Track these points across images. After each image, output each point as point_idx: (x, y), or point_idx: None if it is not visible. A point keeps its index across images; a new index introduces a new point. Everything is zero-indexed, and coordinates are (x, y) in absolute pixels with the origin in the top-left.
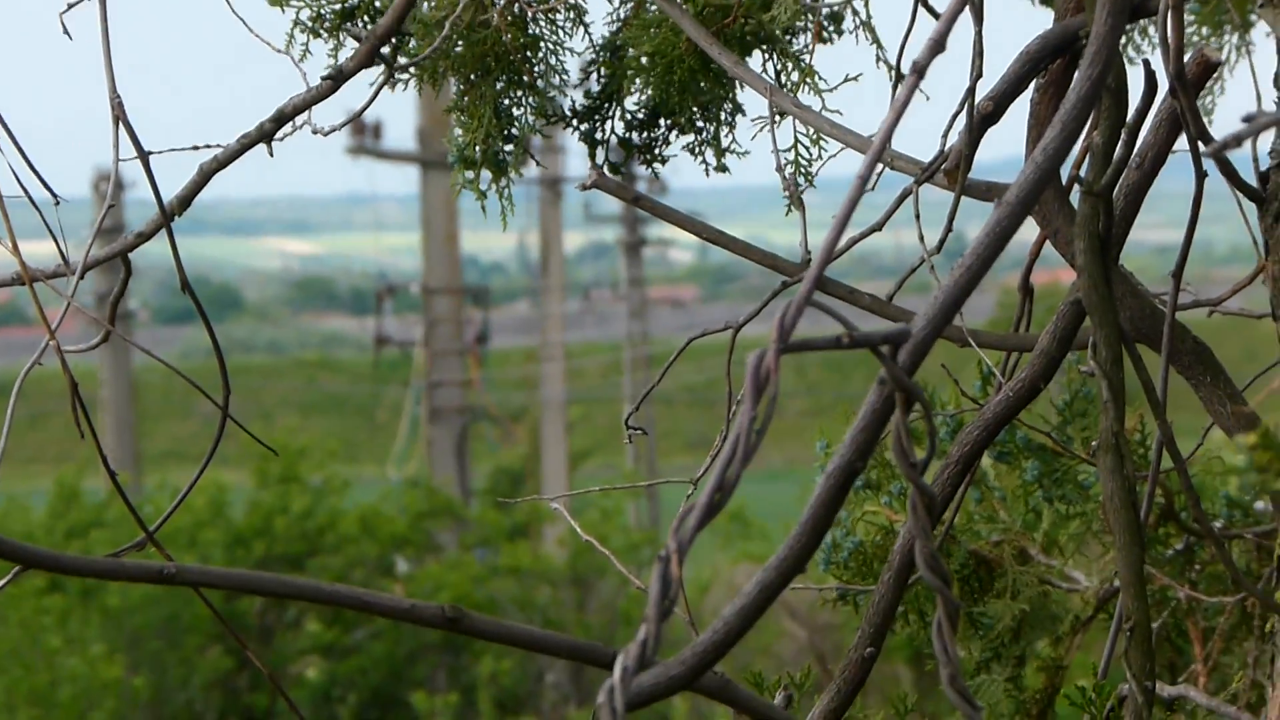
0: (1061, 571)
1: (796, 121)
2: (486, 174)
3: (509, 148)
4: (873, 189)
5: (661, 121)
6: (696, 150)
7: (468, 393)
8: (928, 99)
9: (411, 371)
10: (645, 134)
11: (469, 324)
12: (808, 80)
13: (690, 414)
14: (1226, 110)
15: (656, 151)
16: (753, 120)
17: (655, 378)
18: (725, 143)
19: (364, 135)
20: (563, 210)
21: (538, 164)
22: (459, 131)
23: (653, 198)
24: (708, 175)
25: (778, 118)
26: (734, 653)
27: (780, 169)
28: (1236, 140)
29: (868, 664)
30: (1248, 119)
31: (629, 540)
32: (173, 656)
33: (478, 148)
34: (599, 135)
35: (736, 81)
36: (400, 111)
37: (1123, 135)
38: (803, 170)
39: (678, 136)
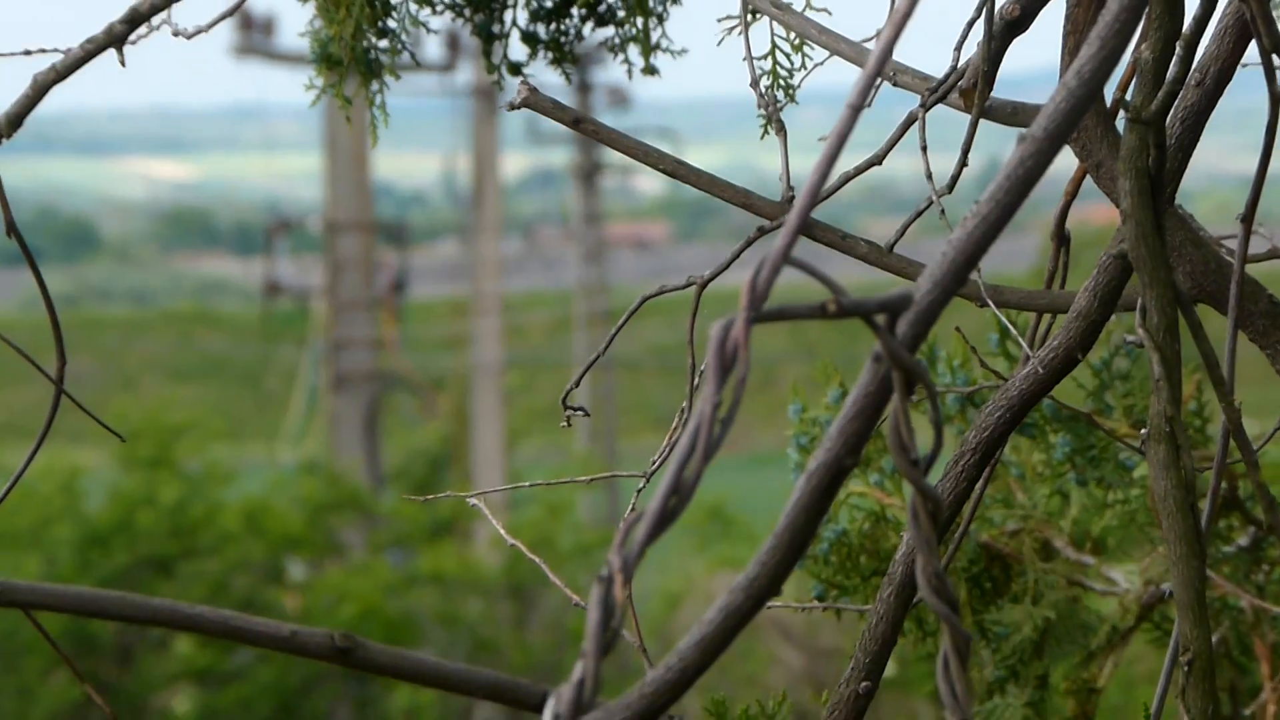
0: (1096, 570)
1: (774, 23)
2: (356, 77)
3: (383, 43)
4: (870, 106)
5: (574, 10)
6: (616, 47)
7: (380, 355)
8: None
9: (309, 328)
10: (553, 25)
11: (382, 269)
12: None
13: (659, 382)
14: None
15: (567, 49)
16: (719, 20)
17: (608, 338)
18: (655, 38)
19: (252, 32)
20: (500, 127)
21: (416, 64)
22: (320, 22)
23: (597, 120)
24: (630, 78)
25: (751, 17)
26: (710, 684)
27: (755, 82)
28: None
29: (863, 702)
30: None
31: (580, 541)
32: (7, 684)
33: (344, 43)
34: (496, 28)
35: None
36: (298, 4)
37: (1178, 48)
38: (782, 83)
39: (594, 29)
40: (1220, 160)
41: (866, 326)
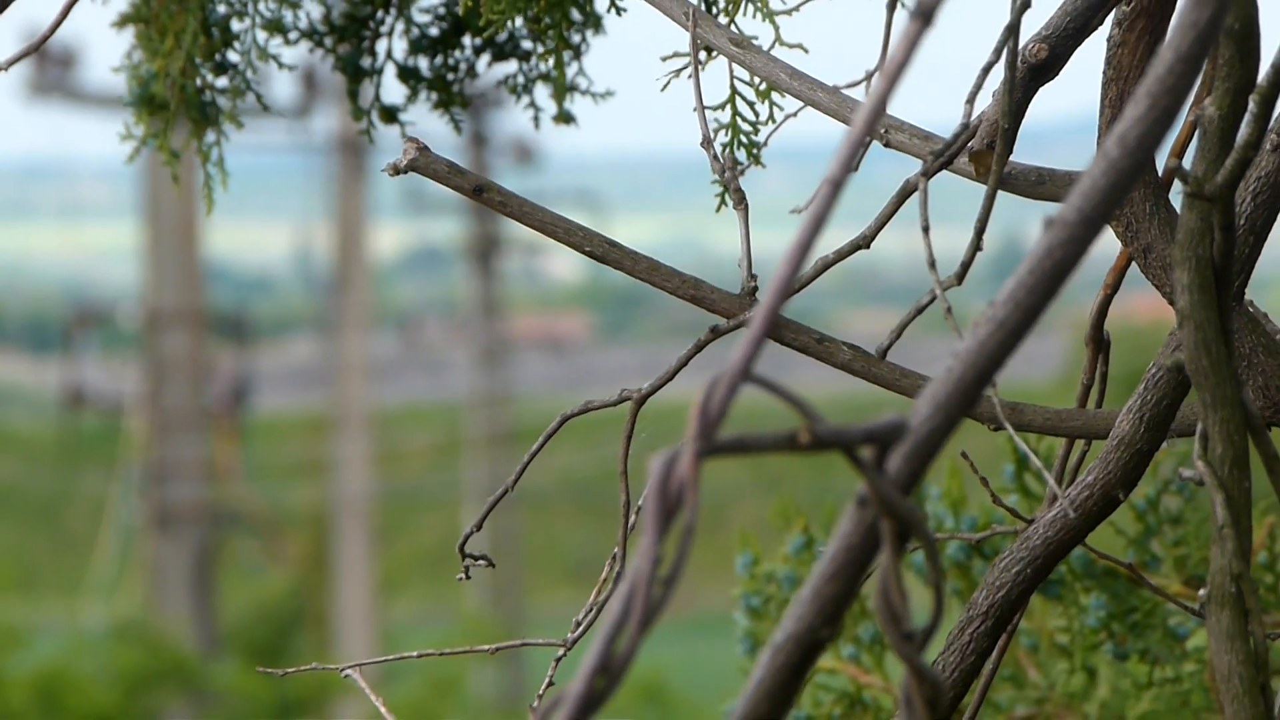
0: None
1: (734, 65)
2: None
3: (222, 81)
4: (855, 170)
5: (466, 40)
6: (520, 88)
7: (215, 485)
8: (946, 38)
9: (122, 450)
10: (439, 59)
11: (218, 374)
12: None
13: (575, 523)
14: None
15: (457, 89)
16: (663, 60)
17: (518, 469)
18: (570, 76)
19: (47, 66)
20: (370, 191)
21: (264, 107)
22: (140, 55)
23: (505, 189)
24: (537, 127)
25: (704, 57)
26: None
27: (708, 140)
28: None
29: None
30: None
31: None
32: None
33: (171, 81)
34: (366, 62)
35: None
36: (110, 35)
37: (1251, 103)
38: (744, 141)
39: (491, 64)
40: None
41: (847, 461)
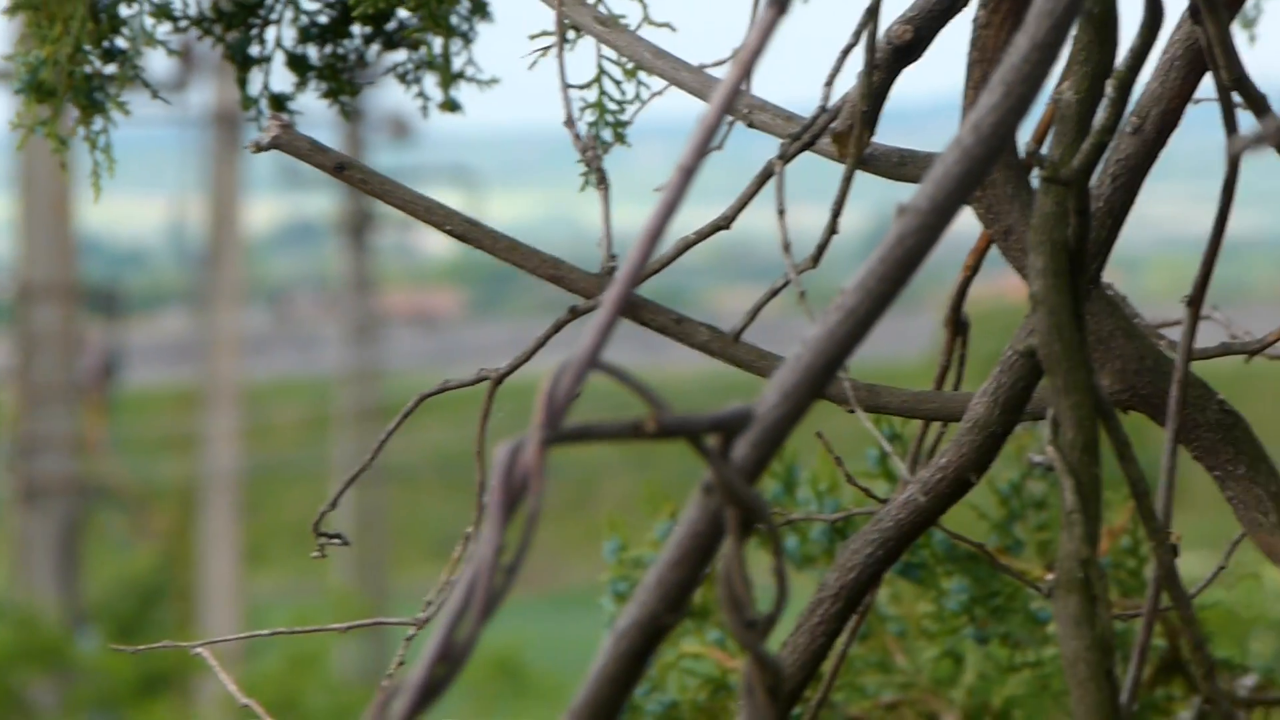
0: None
1: (602, 44)
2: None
3: (110, 68)
4: (720, 149)
5: (355, 28)
6: (408, 75)
7: (83, 459)
8: (810, 17)
9: None
10: (329, 47)
11: (88, 348)
12: None
13: (441, 497)
14: (1276, 37)
15: (346, 77)
16: (531, 38)
17: (376, 445)
18: (458, 65)
19: None
20: (245, 166)
21: (151, 91)
22: (29, 43)
23: (366, 167)
24: (425, 115)
25: (570, 36)
26: None
27: (570, 121)
28: None
29: None
30: None
31: (336, 702)
32: None
33: (57, 67)
34: (255, 50)
35: None
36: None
37: (1109, 87)
38: (610, 120)
39: (380, 52)
40: (1177, 215)
41: (693, 449)
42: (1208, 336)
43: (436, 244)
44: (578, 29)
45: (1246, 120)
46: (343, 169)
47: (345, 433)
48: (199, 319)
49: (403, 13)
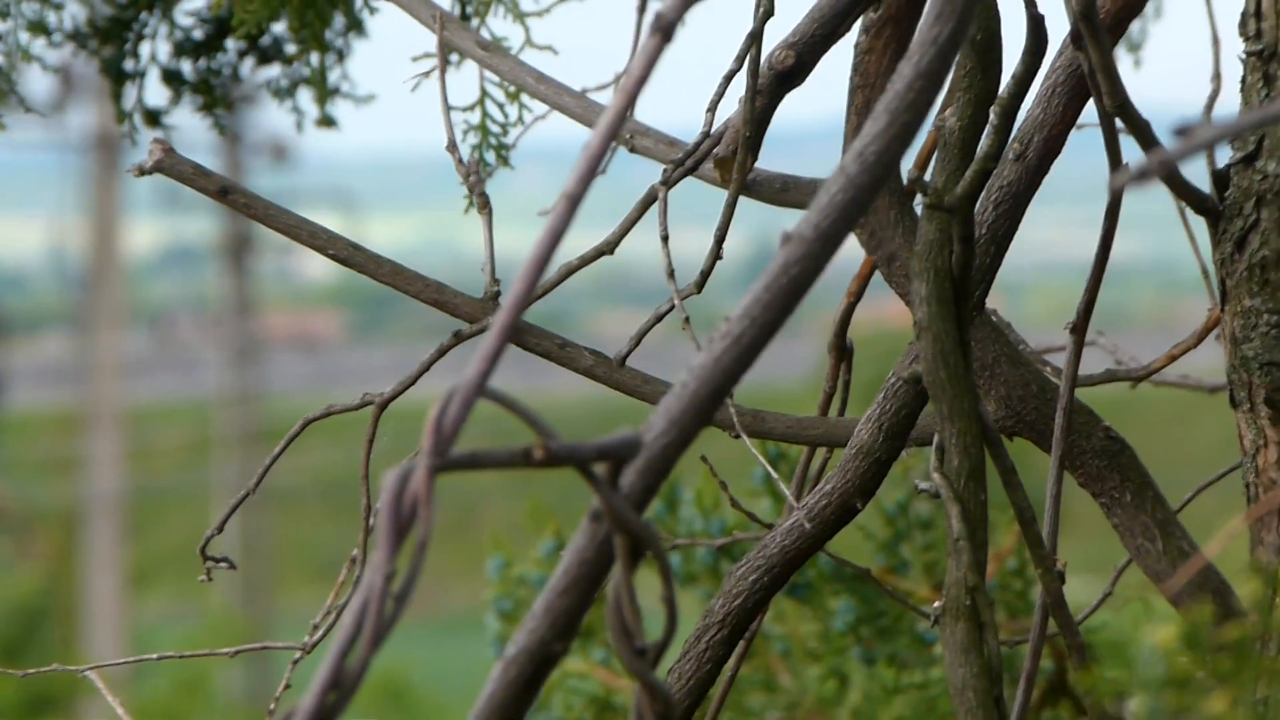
0: None
1: (485, 69)
2: None
3: None
4: (604, 173)
5: (230, 43)
6: (283, 91)
7: None
8: (693, 42)
9: None
10: (203, 62)
11: None
12: None
13: (326, 520)
14: (1160, 63)
15: (220, 92)
16: (413, 60)
17: (260, 470)
18: (333, 80)
19: None
20: (125, 190)
21: (26, 108)
22: None
23: (250, 191)
24: (300, 130)
25: (453, 58)
26: None
27: (452, 145)
28: (1193, 145)
29: None
30: (1186, 131)
31: None
32: None
33: None
34: (130, 65)
35: None
36: None
37: (992, 114)
38: (493, 142)
39: (255, 68)
40: (1058, 240)
41: (582, 477)
42: (1092, 362)
43: (317, 267)
44: (460, 53)
45: (1130, 146)
46: (226, 193)
47: (227, 455)
48: (80, 341)
49: (277, 28)
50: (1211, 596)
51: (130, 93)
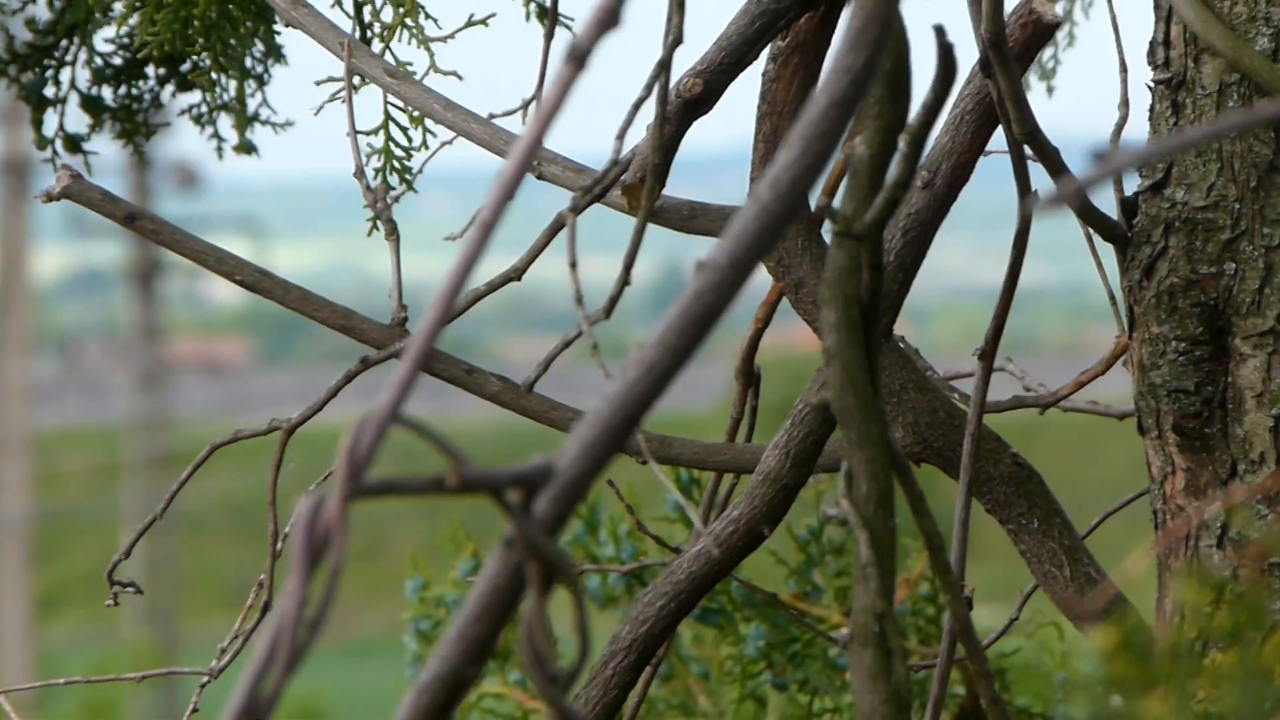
0: None
1: (392, 96)
2: None
3: None
4: (512, 199)
5: (150, 70)
6: (203, 118)
7: None
8: (602, 69)
9: None
10: (124, 88)
11: None
12: (407, 23)
13: (233, 545)
14: (1072, 91)
15: (141, 119)
16: (318, 84)
17: (167, 496)
18: (253, 107)
19: None
20: (32, 215)
21: None
22: None
23: (158, 217)
24: (220, 157)
25: (359, 81)
26: None
27: (361, 171)
28: (1103, 172)
29: None
30: (1099, 157)
31: None
32: None
33: None
34: (50, 91)
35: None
36: None
37: (901, 142)
38: (398, 167)
39: (175, 94)
40: (965, 266)
41: (495, 504)
42: (1001, 388)
43: (225, 293)
44: (368, 79)
45: (1038, 173)
46: (134, 219)
47: (135, 481)
48: None
49: (198, 54)
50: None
51: (50, 119)
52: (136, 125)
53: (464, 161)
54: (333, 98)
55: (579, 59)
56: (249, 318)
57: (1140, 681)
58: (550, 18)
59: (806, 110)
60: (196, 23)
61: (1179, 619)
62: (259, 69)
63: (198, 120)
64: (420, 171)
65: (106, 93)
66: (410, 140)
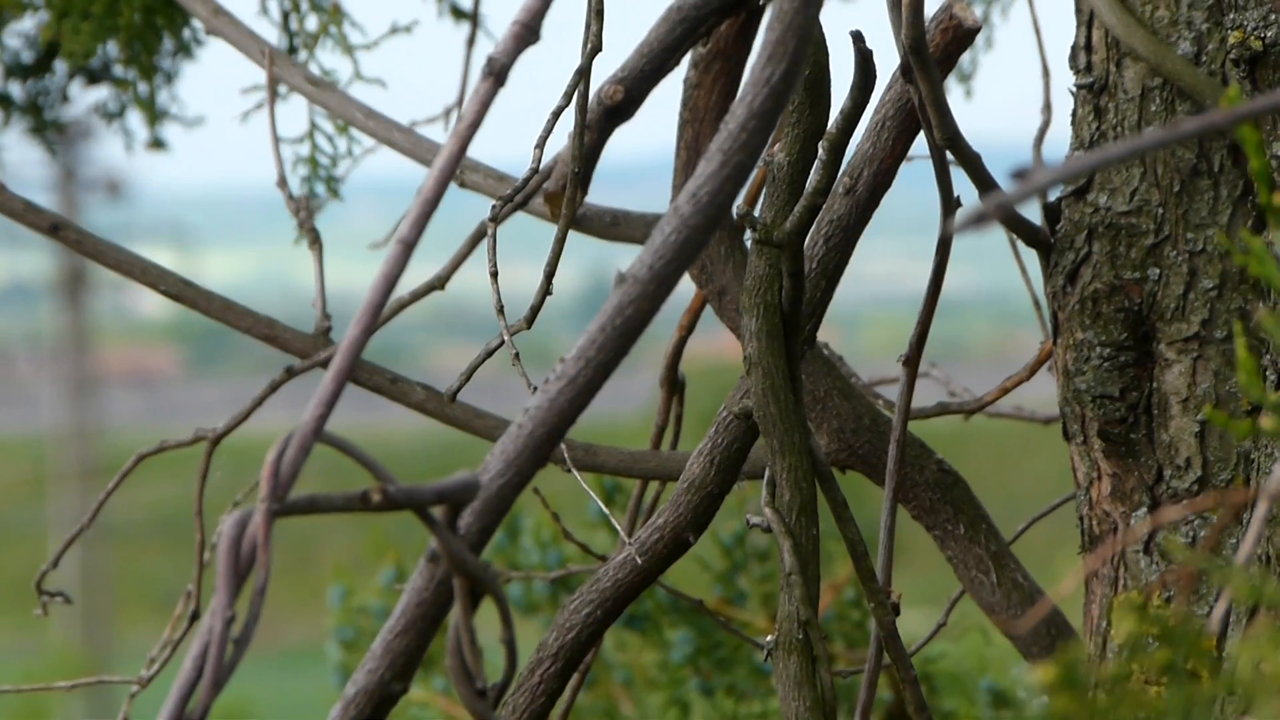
0: None
1: (314, 104)
2: None
3: None
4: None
5: (58, 65)
6: (113, 114)
7: None
8: (522, 77)
9: None
10: (32, 84)
11: None
12: (331, 31)
13: (163, 553)
14: (993, 94)
15: (50, 115)
16: (243, 92)
17: (95, 505)
18: (162, 102)
19: None
20: None
21: None
22: None
23: (81, 228)
24: (129, 151)
25: (284, 90)
26: None
27: (282, 181)
28: (1024, 191)
29: None
30: (1023, 174)
31: None
32: None
33: None
34: None
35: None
36: None
37: (821, 149)
38: (322, 175)
39: (84, 89)
40: (891, 272)
41: (419, 520)
42: (926, 394)
43: (153, 303)
44: (290, 87)
45: (961, 178)
46: (57, 230)
47: (64, 491)
48: None
49: (107, 49)
50: (1046, 629)
51: None
52: (45, 121)
53: (392, 169)
54: (257, 106)
55: (498, 74)
56: (178, 328)
57: (1082, 717)
58: (472, 24)
59: (725, 122)
60: (121, 33)
61: (1108, 640)
62: (166, 64)
63: (107, 116)
64: (344, 180)
65: (15, 88)
66: (335, 149)
